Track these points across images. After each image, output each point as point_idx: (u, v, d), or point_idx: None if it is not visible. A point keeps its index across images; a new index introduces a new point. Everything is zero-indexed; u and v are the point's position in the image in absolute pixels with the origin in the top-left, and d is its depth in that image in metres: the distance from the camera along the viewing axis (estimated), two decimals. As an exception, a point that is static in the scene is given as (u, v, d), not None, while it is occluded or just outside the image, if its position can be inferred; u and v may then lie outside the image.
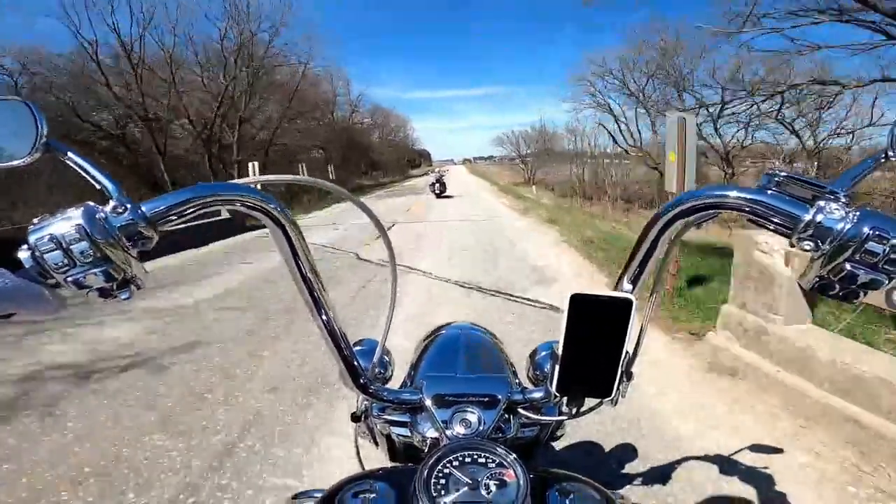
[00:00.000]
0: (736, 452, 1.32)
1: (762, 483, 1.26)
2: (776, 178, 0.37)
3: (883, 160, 0.39)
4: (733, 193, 0.36)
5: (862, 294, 0.34)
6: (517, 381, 0.65)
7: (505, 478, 0.40)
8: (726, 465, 1.42)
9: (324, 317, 0.47)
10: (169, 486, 1.53)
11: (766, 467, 1.31)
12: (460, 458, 0.42)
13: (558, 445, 0.67)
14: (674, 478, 1.47)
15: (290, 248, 0.42)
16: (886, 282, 0.33)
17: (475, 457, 0.42)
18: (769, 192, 0.36)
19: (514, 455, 0.43)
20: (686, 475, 1.48)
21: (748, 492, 1.24)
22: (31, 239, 0.32)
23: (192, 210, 0.37)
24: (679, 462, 1.55)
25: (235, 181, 0.40)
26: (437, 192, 14.08)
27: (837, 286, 0.34)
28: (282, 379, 2.29)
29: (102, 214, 0.34)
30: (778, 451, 1.51)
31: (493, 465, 0.42)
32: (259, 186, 0.43)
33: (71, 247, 0.32)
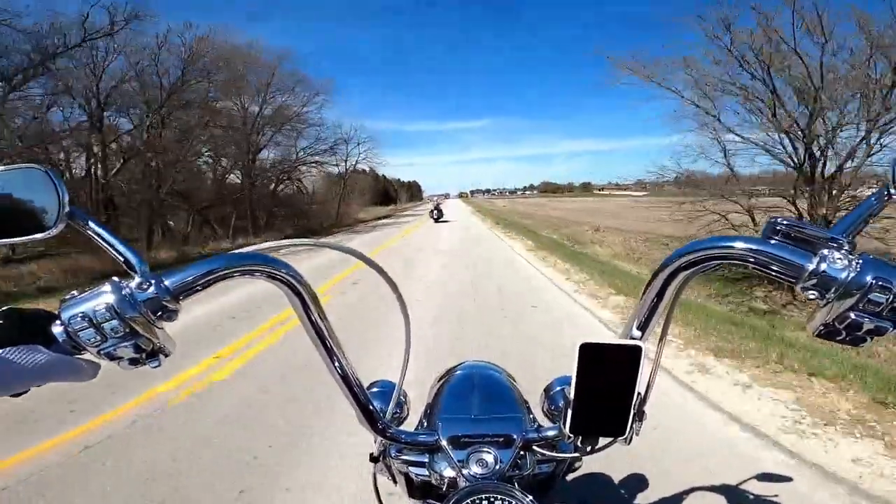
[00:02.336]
0: (742, 482, 1.43)
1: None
2: (778, 227, 0.41)
3: (886, 199, 0.43)
4: (738, 244, 0.40)
5: (868, 339, 0.37)
6: (531, 416, 0.70)
7: None
8: (733, 493, 1.52)
9: (337, 364, 0.53)
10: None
11: (775, 495, 1.46)
12: (477, 501, 0.46)
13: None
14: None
15: (303, 306, 0.47)
16: (891, 328, 0.36)
17: (491, 500, 0.47)
18: (773, 241, 0.40)
19: (531, 497, 0.47)
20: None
21: None
22: (64, 316, 0.38)
23: (213, 281, 0.42)
24: (689, 492, 1.60)
25: (250, 250, 0.45)
26: (436, 217, 19.67)
27: (843, 333, 0.38)
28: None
29: (128, 291, 0.39)
30: (788, 479, 1.66)
31: None
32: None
33: (102, 324, 0.37)
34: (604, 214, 26.55)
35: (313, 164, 23.83)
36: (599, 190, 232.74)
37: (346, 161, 29.74)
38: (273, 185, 20.91)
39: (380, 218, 32.00)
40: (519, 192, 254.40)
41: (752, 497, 1.46)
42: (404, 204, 76.22)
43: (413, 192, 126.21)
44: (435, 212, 19.04)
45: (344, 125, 30.52)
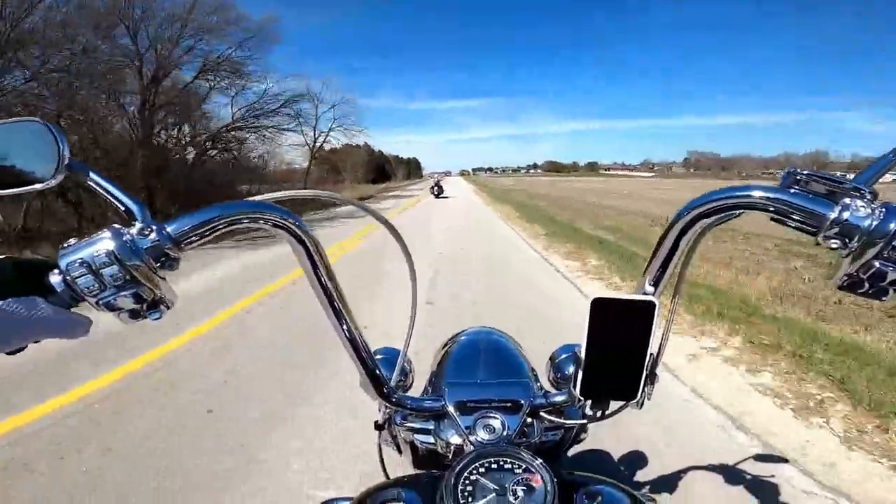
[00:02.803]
0: (739, 462, 1.64)
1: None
2: (797, 177, 0.40)
3: None
4: (756, 193, 0.39)
5: (892, 291, 0.37)
6: (538, 384, 0.71)
7: (532, 483, 0.45)
8: (730, 472, 1.67)
9: (345, 327, 0.53)
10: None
11: (771, 475, 1.66)
12: (486, 465, 0.47)
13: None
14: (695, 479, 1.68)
15: (311, 263, 0.47)
16: None
17: (501, 463, 0.47)
18: (792, 190, 0.39)
19: (541, 460, 0.47)
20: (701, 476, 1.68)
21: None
22: (62, 264, 0.37)
23: (217, 229, 0.42)
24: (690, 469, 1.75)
25: (255, 199, 0.45)
26: (436, 193, 21.58)
27: (867, 284, 0.37)
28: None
29: (129, 237, 0.38)
30: (784, 460, 1.85)
31: (520, 470, 0.46)
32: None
33: (101, 271, 0.37)
34: (634, 197, 22.84)
35: (260, 129, 17.91)
36: (605, 170, 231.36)
37: (314, 129, 24.02)
38: (197, 153, 15.53)
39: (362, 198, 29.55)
40: (522, 171, 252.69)
41: (749, 477, 1.59)
42: (399, 181, 70.50)
43: (412, 169, 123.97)
44: (435, 188, 21.77)
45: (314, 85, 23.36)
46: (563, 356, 0.75)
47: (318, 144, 24.48)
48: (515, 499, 0.44)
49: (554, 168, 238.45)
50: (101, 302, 0.38)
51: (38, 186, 0.41)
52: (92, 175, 0.42)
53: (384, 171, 77.34)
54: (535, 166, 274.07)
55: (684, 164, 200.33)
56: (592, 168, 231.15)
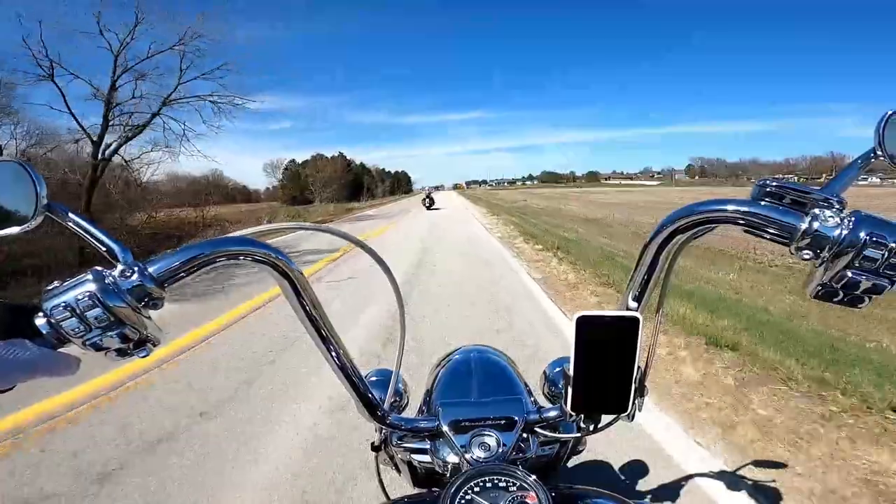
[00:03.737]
0: (741, 467, 1.84)
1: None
2: (768, 188, 0.43)
3: (872, 158, 0.46)
4: (730, 207, 0.43)
5: (867, 299, 0.39)
6: (532, 399, 0.75)
7: (527, 500, 0.47)
8: (732, 479, 1.82)
9: (334, 354, 0.56)
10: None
11: (771, 480, 1.76)
12: (481, 484, 0.49)
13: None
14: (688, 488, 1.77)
15: (295, 294, 0.50)
16: (889, 286, 0.38)
17: (496, 481, 0.50)
18: (763, 202, 0.42)
19: (534, 477, 0.50)
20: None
21: None
22: (46, 307, 0.39)
23: (198, 267, 0.44)
24: (694, 476, 1.84)
25: (235, 234, 0.47)
26: (427, 205, 24.36)
27: (841, 293, 0.40)
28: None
29: (111, 279, 0.40)
30: (782, 465, 1.91)
31: (514, 488, 0.49)
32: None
33: (85, 314, 0.39)
34: (664, 209, 19.98)
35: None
36: (606, 179, 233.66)
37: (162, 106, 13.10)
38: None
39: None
40: (518, 183, 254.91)
41: (749, 481, 1.74)
42: (378, 200, 60.85)
43: (401, 183, 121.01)
44: (427, 199, 25.64)
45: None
46: (556, 370, 0.78)
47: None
48: None
49: (551, 179, 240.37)
50: (87, 343, 0.40)
51: (15, 230, 0.42)
52: (71, 216, 0.43)
53: (362, 186, 73.44)
54: (530, 177, 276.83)
55: (687, 172, 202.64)
56: (593, 178, 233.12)
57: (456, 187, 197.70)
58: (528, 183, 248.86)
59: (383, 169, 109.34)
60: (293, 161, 66.73)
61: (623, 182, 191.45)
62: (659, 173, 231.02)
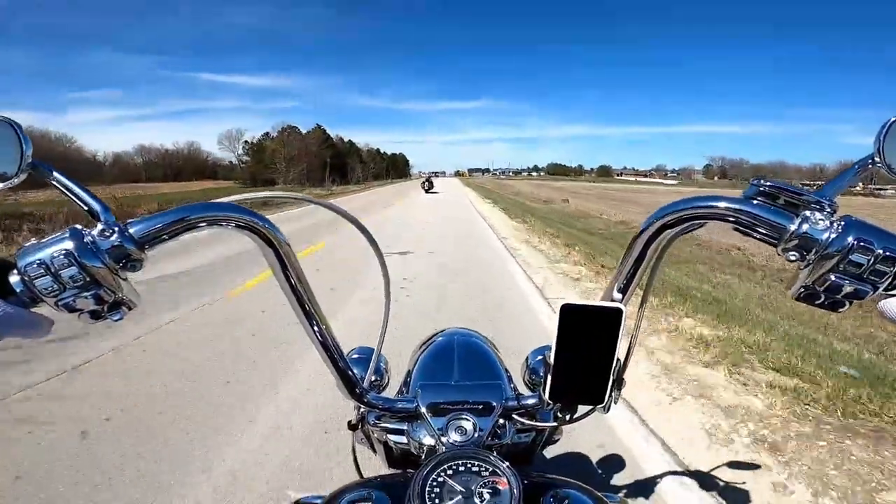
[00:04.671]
0: (715, 468, 1.98)
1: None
2: (762, 188, 0.45)
3: (870, 165, 0.47)
4: (720, 204, 0.44)
5: (847, 304, 0.42)
6: (512, 386, 0.78)
7: (498, 486, 0.50)
8: (708, 480, 1.95)
9: (316, 328, 0.58)
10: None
11: (743, 482, 1.88)
12: (454, 467, 0.52)
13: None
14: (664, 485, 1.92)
15: (280, 263, 0.52)
16: (871, 292, 0.40)
17: (469, 465, 0.53)
18: (755, 201, 0.44)
19: (507, 463, 0.53)
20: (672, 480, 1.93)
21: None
22: (20, 264, 0.40)
23: (180, 231, 0.45)
24: (667, 474, 2.00)
25: (221, 200, 0.48)
26: (426, 188, 27.29)
27: (823, 296, 0.42)
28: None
29: (90, 238, 0.41)
30: (756, 467, 2.02)
31: (487, 473, 0.52)
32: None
33: (60, 272, 0.40)
34: None
35: None
36: (618, 174, 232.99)
37: None
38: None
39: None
40: (524, 174, 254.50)
41: (721, 484, 1.87)
42: (357, 187, 49.86)
43: (397, 166, 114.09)
44: (426, 183, 27.78)
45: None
46: (538, 358, 0.81)
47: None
48: (481, 501, 0.49)
49: (559, 171, 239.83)
50: (60, 303, 0.41)
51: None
52: (55, 174, 0.45)
53: (345, 167, 65.59)
54: (535, 168, 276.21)
55: (706, 172, 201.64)
56: (605, 173, 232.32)
57: (458, 174, 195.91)
58: (533, 174, 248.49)
59: (377, 150, 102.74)
60: (266, 134, 58.74)
61: (639, 179, 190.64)
62: (673, 171, 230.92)
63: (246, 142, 61.05)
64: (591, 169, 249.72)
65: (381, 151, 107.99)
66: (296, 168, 42.82)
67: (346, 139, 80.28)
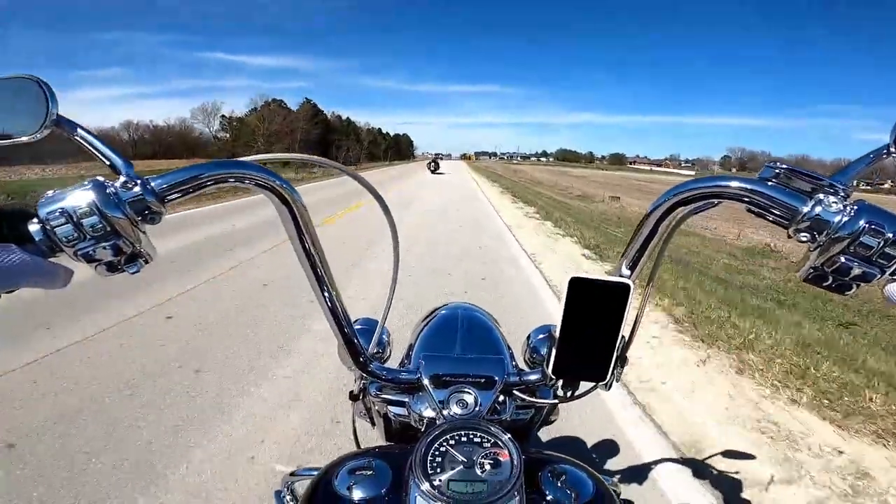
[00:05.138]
0: (708, 457, 2.12)
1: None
2: (777, 171, 0.46)
3: (884, 155, 0.49)
4: (734, 183, 0.46)
5: (854, 286, 0.44)
6: (514, 362, 0.81)
7: (499, 457, 0.53)
8: (698, 466, 2.11)
9: (326, 294, 0.60)
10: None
11: (736, 471, 2.07)
12: (456, 437, 0.55)
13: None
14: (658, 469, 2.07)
15: (295, 226, 0.54)
16: (879, 275, 0.42)
17: (471, 436, 0.55)
18: (769, 183, 0.46)
19: (509, 435, 0.55)
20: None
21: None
22: (42, 212, 0.41)
23: (201, 186, 0.47)
24: (662, 461, 2.13)
25: (243, 159, 0.50)
26: (432, 169, 29.20)
27: (831, 278, 0.44)
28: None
29: (112, 189, 0.43)
30: (752, 457, 2.18)
31: (489, 444, 0.54)
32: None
33: (81, 221, 0.41)
34: None
35: None
36: (631, 163, 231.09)
37: None
38: None
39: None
40: (533, 159, 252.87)
41: (715, 472, 2.01)
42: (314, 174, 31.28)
43: (400, 148, 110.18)
44: (432, 164, 29.71)
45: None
46: (540, 336, 0.84)
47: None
48: (482, 472, 0.51)
49: (570, 158, 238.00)
50: (79, 252, 0.43)
51: (24, 139, 0.46)
52: (80, 130, 0.47)
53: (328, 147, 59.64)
54: (544, 153, 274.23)
55: (723, 163, 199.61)
56: (618, 161, 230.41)
57: (464, 157, 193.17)
58: (542, 160, 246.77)
59: (378, 129, 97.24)
60: (255, 110, 53.97)
61: (654, 169, 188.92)
62: (687, 161, 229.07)
63: (224, 116, 56.60)
64: (602, 156, 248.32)
65: (384, 132, 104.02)
66: (279, 145, 41.39)
67: (344, 117, 76.56)
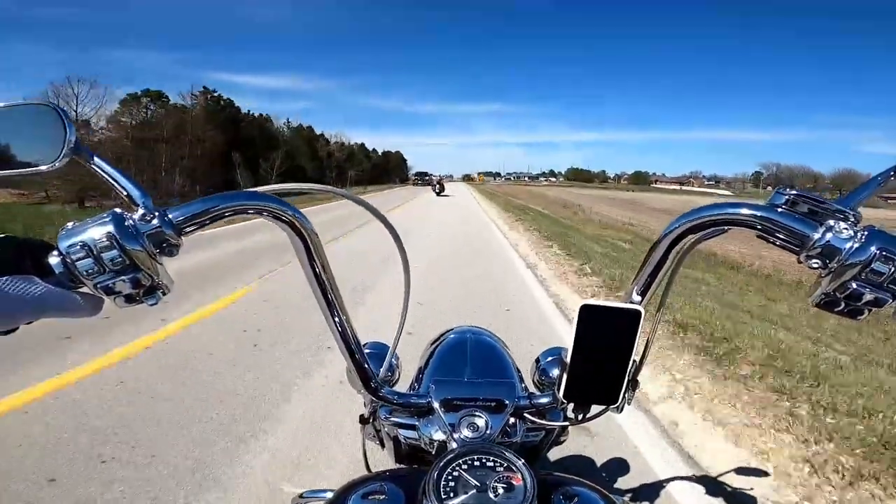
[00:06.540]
0: (722, 475, 2.28)
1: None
2: (786, 196, 0.50)
3: (892, 177, 0.53)
4: (745, 210, 0.50)
5: (866, 311, 0.47)
6: (523, 385, 0.86)
7: (513, 481, 0.56)
8: (712, 484, 2.28)
9: (337, 319, 0.66)
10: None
11: (751, 488, 2.19)
12: (469, 462, 0.58)
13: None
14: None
15: (307, 254, 0.59)
16: (891, 300, 0.45)
17: (484, 460, 0.59)
18: (779, 209, 0.49)
19: (523, 460, 0.59)
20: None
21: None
22: (62, 245, 0.44)
23: (218, 217, 0.51)
24: (673, 479, 2.31)
25: (256, 189, 0.55)
26: (437, 191, 32.57)
27: (843, 304, 0.47)
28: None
29: (131, 222, 0.46)
30: (765, 474, 2.33)
31: (502, 468, 0.58)
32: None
33: (101, 254, 0.44)
34: None
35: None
36: (654, 182, 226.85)
37: None
38: None
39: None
40: (542, 179, 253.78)
41: (728, 489, 2.15)
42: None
43: (390, 167, 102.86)
44: (437, 186, 33.19)
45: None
46: (549, 359, 0.89)
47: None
48: (496, 496, 0.55)
49: (581, 178, 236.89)
50: (98, 285, 0.46)
51: (42, 168, 0.50)
52: (96, 160, 0.51)
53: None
54: (552, 173, 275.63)
55: (754, 180, 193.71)
56: (640, 179, 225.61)
57: (466, 178, 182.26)
58: (551, 179, 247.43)
59: (361, 145, 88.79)
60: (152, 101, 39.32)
61: (683, 188, 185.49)
62: (709, 180, 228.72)
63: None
64: (616, 175, 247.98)
65: (373, 149, 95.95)
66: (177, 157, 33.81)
67: (295, 124, 64.29)
